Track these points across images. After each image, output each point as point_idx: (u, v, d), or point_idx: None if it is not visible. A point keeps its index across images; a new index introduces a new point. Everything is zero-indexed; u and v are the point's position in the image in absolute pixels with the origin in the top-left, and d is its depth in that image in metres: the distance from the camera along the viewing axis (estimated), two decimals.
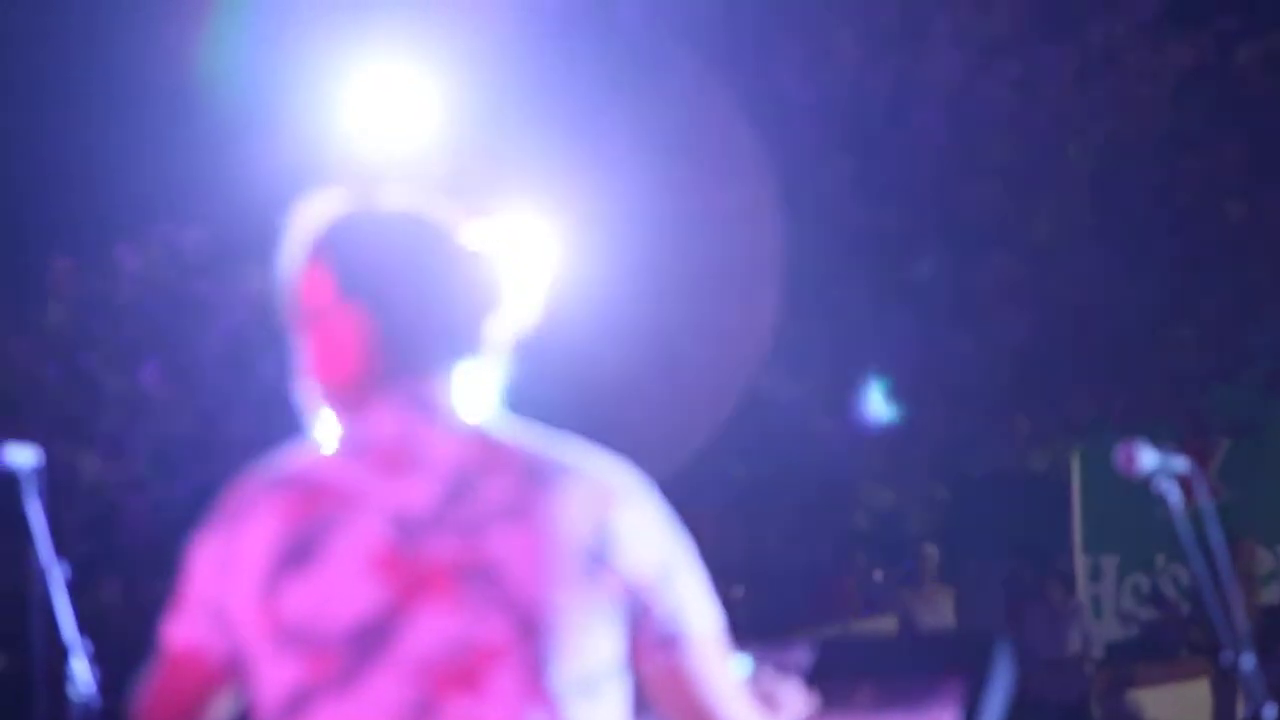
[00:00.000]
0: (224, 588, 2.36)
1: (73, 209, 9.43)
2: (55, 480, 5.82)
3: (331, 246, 2.47)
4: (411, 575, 2.33)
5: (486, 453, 2.41)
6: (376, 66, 7.68)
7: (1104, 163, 9.14)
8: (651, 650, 2.40)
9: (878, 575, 10.22)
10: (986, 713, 3.57)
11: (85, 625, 5.40)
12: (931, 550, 10.13)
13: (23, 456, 5.43)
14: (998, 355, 9.11)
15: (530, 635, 2.32)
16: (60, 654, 5.39)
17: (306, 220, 2.51)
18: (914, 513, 9.76)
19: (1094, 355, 9.30)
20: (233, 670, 2.37)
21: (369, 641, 2.31)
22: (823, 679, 3.56)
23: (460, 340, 2.47)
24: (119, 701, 6.17)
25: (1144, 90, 9.18)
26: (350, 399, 2.45)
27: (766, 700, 2.80)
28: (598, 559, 2.36)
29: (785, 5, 9.01)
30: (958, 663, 3.63)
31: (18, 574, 8.76)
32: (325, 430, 2.47)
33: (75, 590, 5.49)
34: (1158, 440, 4.26)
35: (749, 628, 3.74)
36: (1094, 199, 9.11)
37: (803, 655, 3.67)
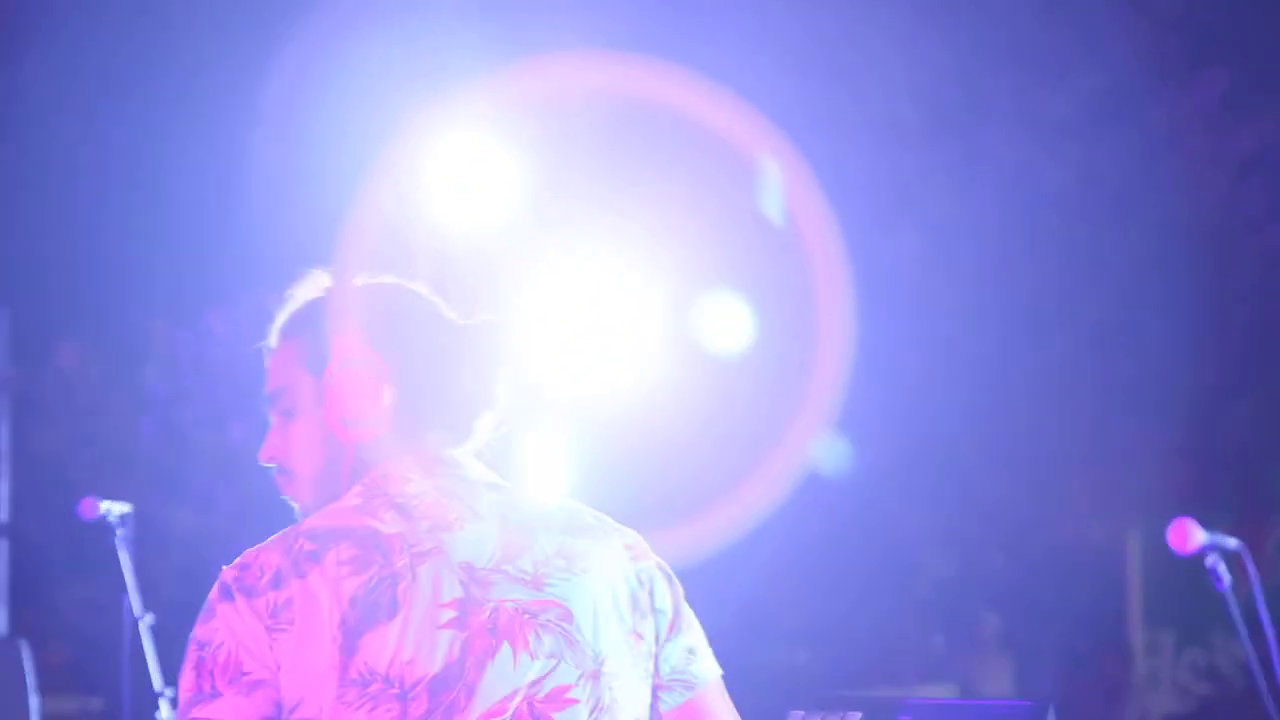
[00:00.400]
0: (285, 651, 2.34)
1: (170, 274, 9.70)
2: (149, 532, 6.13)
3: (357, 306, 2.57)
4: (485, 624, 2.40)
5: (524, 505, 2.53)
6: (458, 138, 7.78)
7: (1165, 243, 9.26)
8: (670, 694, 2.54)
9: (938, 642, 10.32)
10: None
11: (171, 673, 5.67)
12: (992, 618, 10.22)
13: (117, 510, 5.74)
14: (1060, 431, 9.23)
15: (598, 679, 2.44)
16: (149, 699, 5.67)
17: (316, 289, 2.62)
18: (975, 581, 9.87)
19: (1154, 431, 9.40)
20: None
21: (448, 690, 2.36)
22: None
23: (473, 406, 2.57)
24: None
25: (1205, 172, 9.31)
26: (365, 452, 2.52)
27: None
28: (639, 605, 2.51)
29: (850, 74, 9.12)
30: None
31: (111, 622, 9.10)
32: (351, 492, 2.51)
33: (165, 638, 5.77)
34: (1214, 517, 4.39)
35: (810, 691, 3.92)
36: (1154, 278, 9.22)
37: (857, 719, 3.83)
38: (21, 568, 6.04)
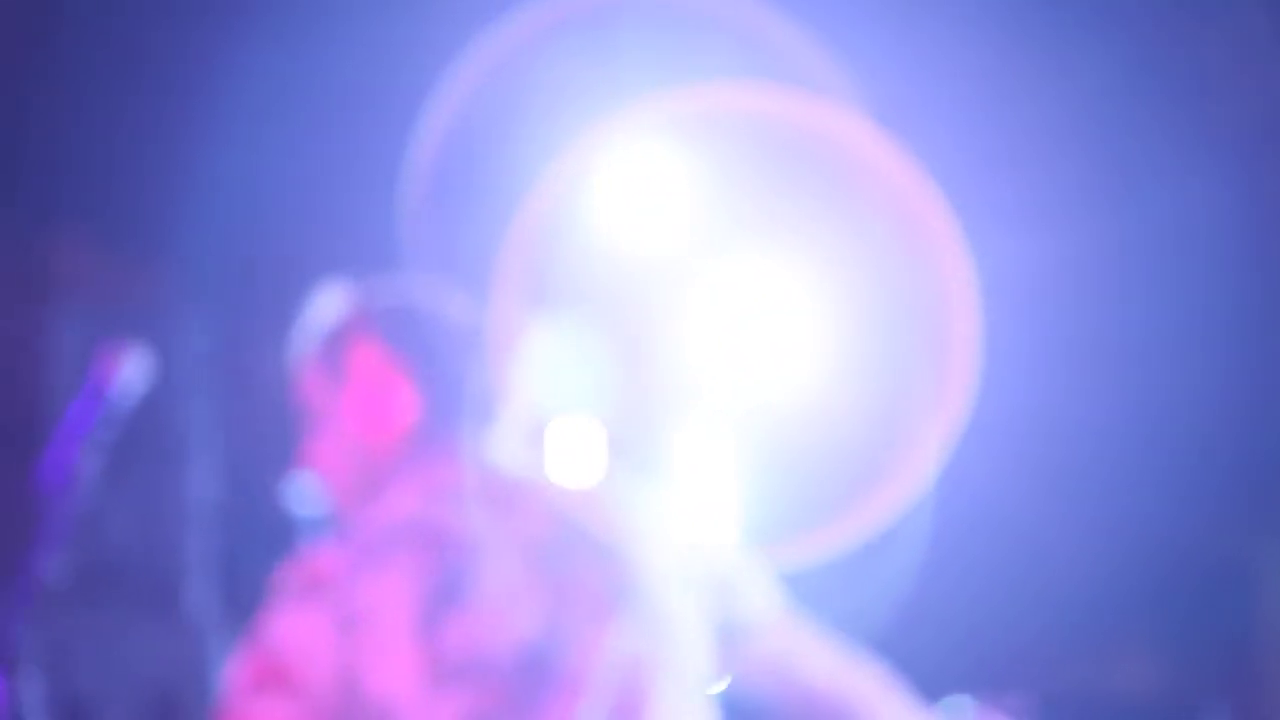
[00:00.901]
0: (354, 644, 2.35)
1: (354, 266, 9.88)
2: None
3: (376, 316, 2.61)
4: (561, 601, 2.44)
5: (566, 489, 2.60)
6: (629, 149, 7.83)
7: None
8: (729, 643, 2.61)
9: (1082, 644, 10.24)
10: None
11: None
12: (1136, 623, 10.04)
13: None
14: (1212, 435, 9.07)
15: (668, 643, 2.49)
16: None
17: (334, 300, 2.66)
18: (1121, 585, 9.77)
19: None
20: None
21: (534, 669, 2.40)
22: None
23: (493, 398, 2.63)
24: None
25: None
26: (406, 456, 2.57)
27: None
28: (698, 568, 2.58)
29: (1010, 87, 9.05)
30: None
31: None
32: (399, 490, 2.56)
33: None
34: None
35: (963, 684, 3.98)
36: None
37: (1023, 701, 3.92)
38: (226, 549, 6.28)
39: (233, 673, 2.40)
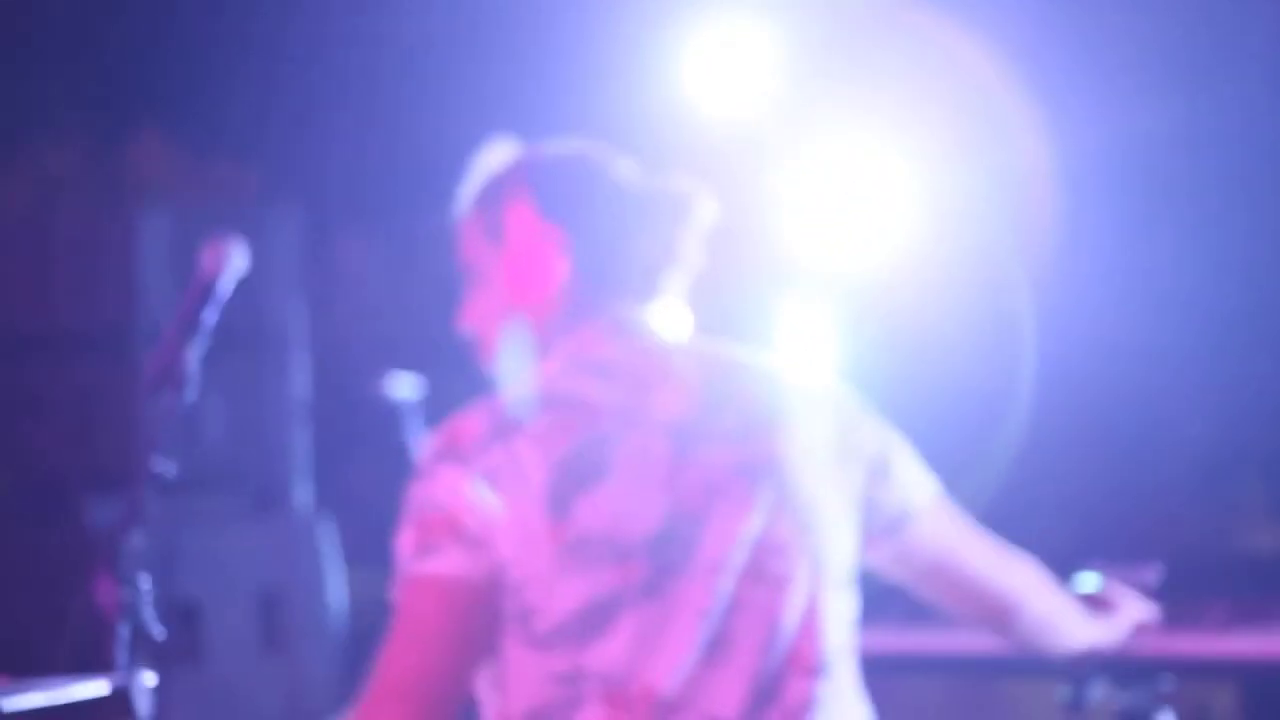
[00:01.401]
0: (497, 514, 2.34)
1: (446, 171, 9.93)
2: (436, 413, 6.35)
3: (531, 176, 2.58)
4: (697, 481, 2.40)
5: (724, 363, 2.52)
6: (719, 24, 7.79)
7: None
8: (888, 528, 2.58)
9: (1203, 514, 10.19)
10: None
11: None
12: (1259, 488, 10.04)
13: (406, 387, 5.89)
14: None
15: (810, 531, 2.44)
16: None
17: (497, 158, 2.64)
18: (1243, 452, 9.74)
19: None
20: (497, 597, 2.34)
21: (668, 548, 2.36)
22: (1174, 595, 3.74)
23: (656, 270, 2.57)
24: None
25: None
26: (557, 324, 2.53)
27: (1104, 605, 3.02)
28: (846, 452, 2.51)
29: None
30: None
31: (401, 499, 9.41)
32: (549, 359, 2.53)
33: None
34: None
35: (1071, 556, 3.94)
36: None
37: (1152, 573, 3.85)
38: (318, 447, 6.29)
39: (400, 543, 2.39)
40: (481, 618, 2.35)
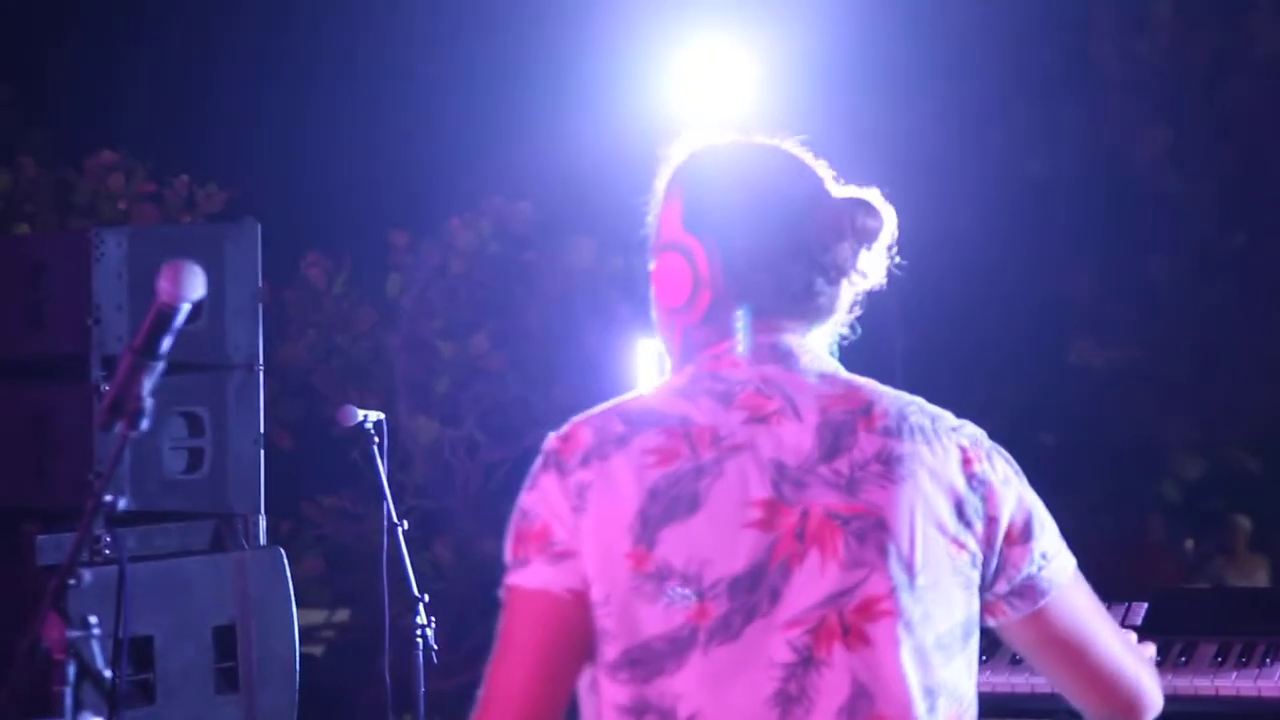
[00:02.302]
0: (586, 530, 2.30)
1: (409, 187, 9.83)
2: (393, 443, 6.22)
3: (683, 180, 2.47)
4: (795, 525, 2.29)
5: (850, 402, 2.37)
6: (700, 37, 7.78)
7: None
8: (1022, 600, 2.40)
9: (1188, 544, 10.18)
10: None
11: (421, 581, 5.77)
12: (1243, 521, 10.05)
13: (373, 417, 5.82)
14: None
15: (908, 590, 2.29)
16: (407, 605, 5.78)
17: (674, 153, 2.52)
18: (1227, 483, 9.73)
19: None
20: (587, 611, 2.31)
21: (750, 593, 2.27)
22: (1160, 634, 3.65)
23: (811, 291, 2.43)
24: (452, 653, 6.55)
25: None
26: (693, 335, 2.43)
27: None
28: (965, 513, 2.34)
29: None
30: None
31: (360, 531, 9.27)
32: (671, 372, 2.47)
33: (411, 547, 5.87)
34: None
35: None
36: None
37: (1138, 610, 3.76)
38: (273, 479, 6.14)
39: (506, 551, 2.37)
40: (570, 632, 2.31)
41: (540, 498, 2.34)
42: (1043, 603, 2.41)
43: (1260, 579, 9.84)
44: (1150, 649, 2.96)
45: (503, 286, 9.72)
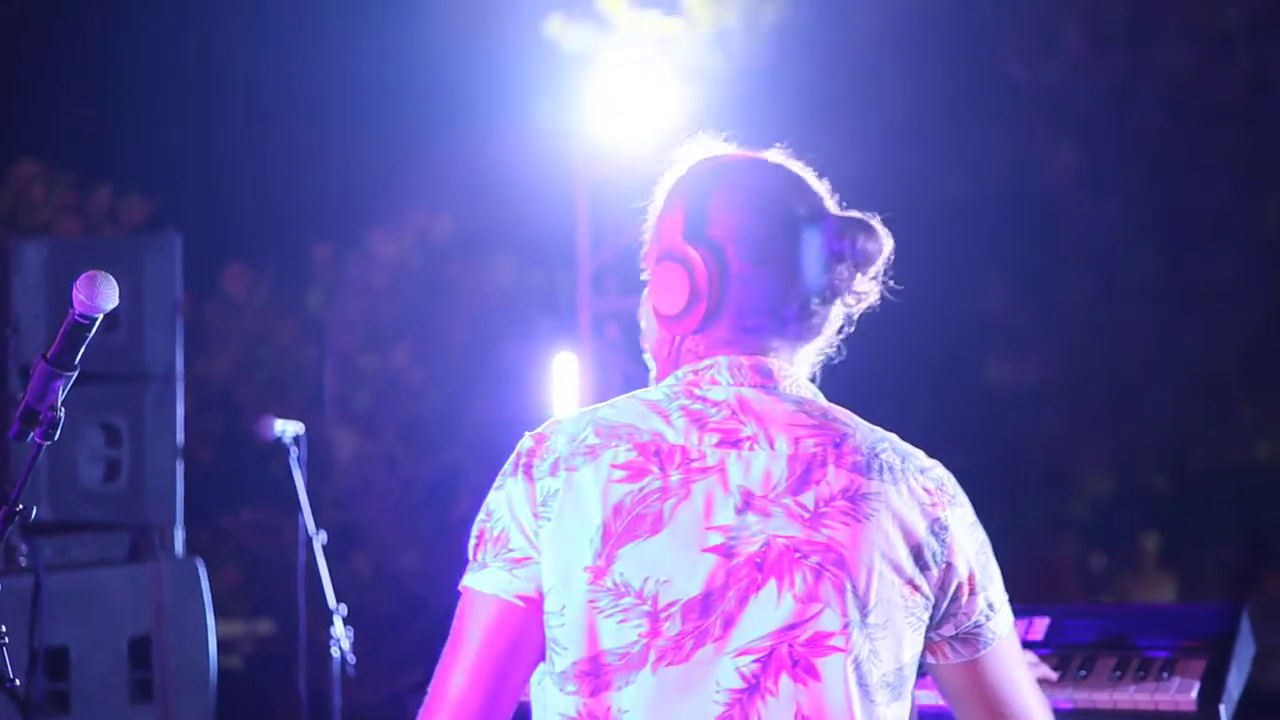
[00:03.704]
0: (547, 539, 2.31)
1: (332, 199, 9.84)
2: (313, 455, 6.25)
3: (687, 190, 2.43)
4: (755, 555, 2.28)
5: (823, 434, 2.34)
6: (619, 61, 7.82)
7: None
8: (964, 646, 2.39)
9: (1098, 561, 10.29)
10: (1230, 686, 3.66)
11: (339, 593, 5.78)
12: (1152, 537, 10.17)
13: (290, 428, 5.83)
14: (1224, 345, 9.16)
15: (859, 628, 2.28)
16: (323, 617, 5.79)
17: (679, 160, 2.47)
18: (1136, 500, 9.84)
19: None
20: (538, 619, 2.31)
21: (705, 614, 2.27)
22: (1060, 649, 3.70)
23: (803, 312, 2.41)
24: (370, 665, 6.56)
25: None
26: (685, 344, 2.42)
27: None
28: (923, 557, 2.32)
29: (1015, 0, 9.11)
30: (1199, 635, 3.72)
31: (279, 544, 9.26)
32: (655, 380, 2.46)
33: (330, 559, 5.88)
34: None
35: None
36: None
37: (1040, 625, 3.80)
38: (192, 491, 6.15)
39: (469, 542, 2.36)
40: (520, 638, 2.31)
41: (505, 499, 2.34)
42: (982, 652, 2.40)
43: (1167, 599, 9.95)
44: (1044, 669, 3.02)
45: (424, 301, 9.73)
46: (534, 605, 2.30)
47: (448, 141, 9.08)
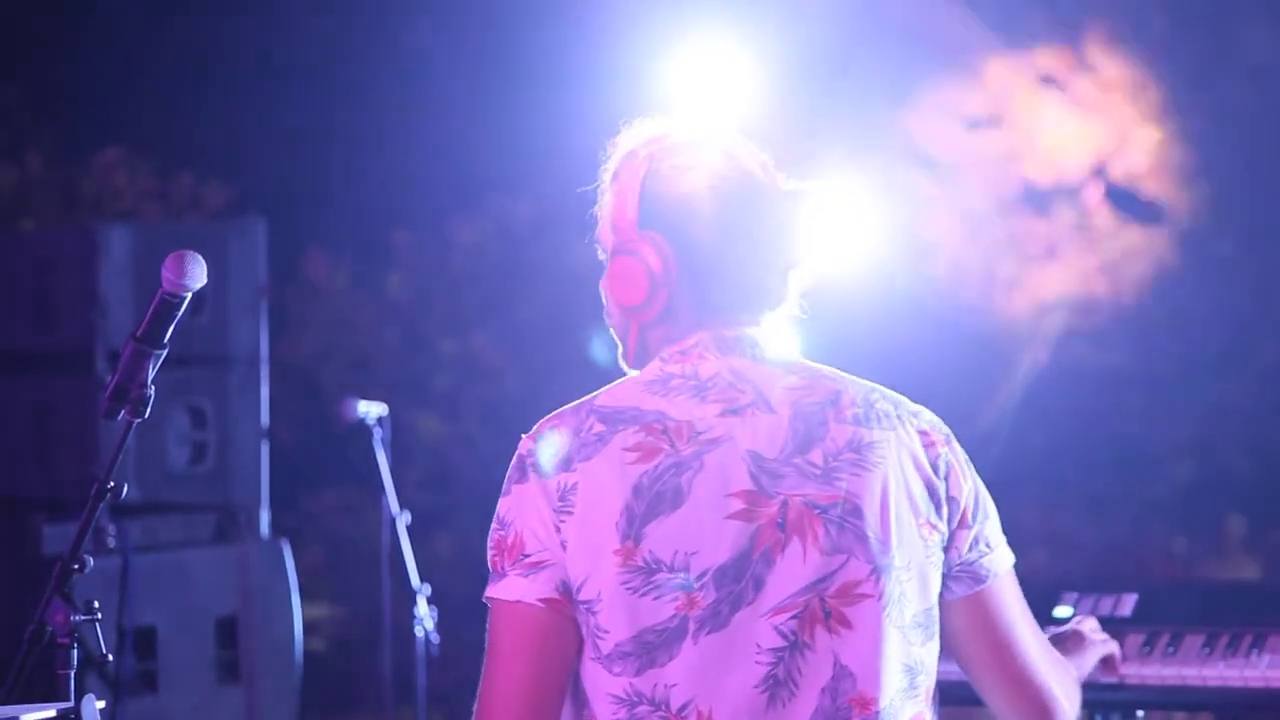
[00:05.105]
0: (571, 532, 2.33)
1: (412, 185, 9.88)
2: (395, 438, 6.30)
3: (633, 174, 2.47)
4: (775, 515, 2.34)
5: (817, 393, 2.41)
6: (700, 35, 7.81)
7: None
8: (958, 584, 2.45)
9: (1180, 545, 10.22)
10: None
11: (421, 574, 5.82)
12: (1236, 522, 10.08)
13: (373, 410, 5.88)
14: None
15: (886, 573, 2.35)
16: (408, 597, 5.83)
17: (620, 144, 2.52)
18: (1219, 484, 9.76)
19: None
20: (572, 613, 2.35)
21: (736, 582, 2.32)
22: (1149, 625, 3.71)
23: (766, 282, 2.46)
24: (453, 646, 6.63)
25: None
26: (651, 332, 2.46)
27: (1074, 640, 2.89)
28: (936, 495, 2.41)
29: None
30: None
31: (362, 526, 9.33)
32: (629, 367, 2.49)
33: (414, 540, 5.92)
34: None
35: (1050, 588, 3.90)
36: None
37: (1128, 602, 3.81)
38: (275, 473, 6.20)
39: (489, 550, 2.40)
40: (550, 638, 2.34)
41: (515, 503, 2.37)
42: (978, 588, 2.45)
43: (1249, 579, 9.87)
44: (1090, 622, 3.02)
45: (503, 284, 9.76)
46: (556, 606, 2.34)
47: (526, 125, 9.10)
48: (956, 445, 2.47)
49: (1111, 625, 3.55)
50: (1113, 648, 3.06)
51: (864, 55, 8.66)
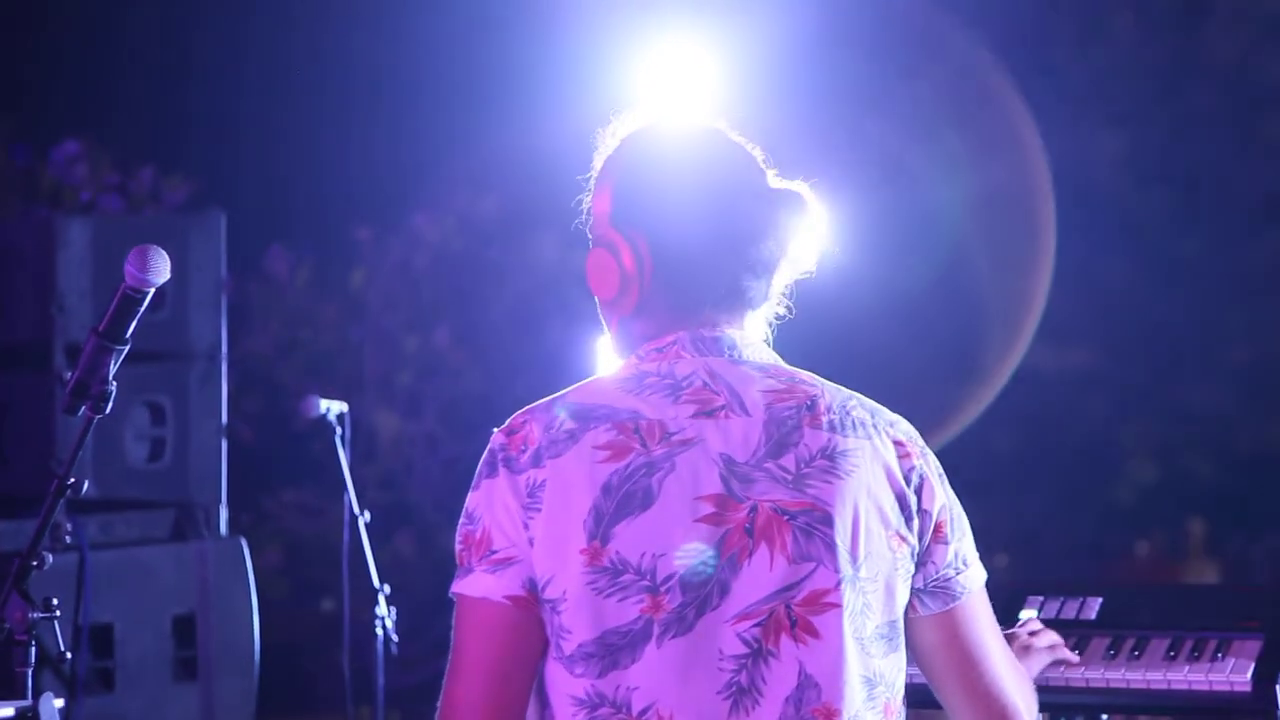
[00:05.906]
0: (539, 529, 2.31)
1: (375, 182, 9.85)
2: (355, 436, 6.26)
3: (614, 171, 2.43)
4: (744, 520, 2.31)
5: (793, 397, 2.37)
6: (666, 34, 7.80)
7: None
8: (933, 600, 2.41)
9: (1142, 548, 10.25)
10: None
11: (382, 574, 5.79)
12: (1197, 524, 10.12)
13: (334, 408, 5.84)
14: (1269, 330, 9.12)
15: (855, 584, 2.32)
16: (368, 596, 5.80)
17: (608, 139, 2.47)
18: (1180, 486, 9.80)
19: None
20: (538, 612, 2.32)
21: (702, 586, 2.29)
22: (1114, 630, 3.69)
23: (747, 283, 2.43)
24: (413, 645, 6.56)
25: None
26: (628, 326, 2.43)
27: (1019, 647, 2.87)
28: (907, 507, 2.37)
29: None
30: (1253, 616, 3.71)
31: (321, 525, 9.27)
32: (618, 363, 2.45)
33: (372, 539, 5.89)
34: None
35: (1016, 592, 3.90)
36: None
37: (1093, 605, 3.80)
38: (233, 471, 6.16)
39: (456, 545, 2.37)
40: (516, 635, 2.32)
41: (484, 498, 2.34)
42: (952, 605, 2.42)
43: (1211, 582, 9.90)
44: (1064, 651, 3.01)
45: (466, 281, 9.73)
46: (523, 603, 2.31)
47: (490, 122, 9.07)
48: (932, 458, 2.44)
49: (1076, 629, 3.54)
50: (1061, 654, 3.03)
51: (832, 57, 8.66)
